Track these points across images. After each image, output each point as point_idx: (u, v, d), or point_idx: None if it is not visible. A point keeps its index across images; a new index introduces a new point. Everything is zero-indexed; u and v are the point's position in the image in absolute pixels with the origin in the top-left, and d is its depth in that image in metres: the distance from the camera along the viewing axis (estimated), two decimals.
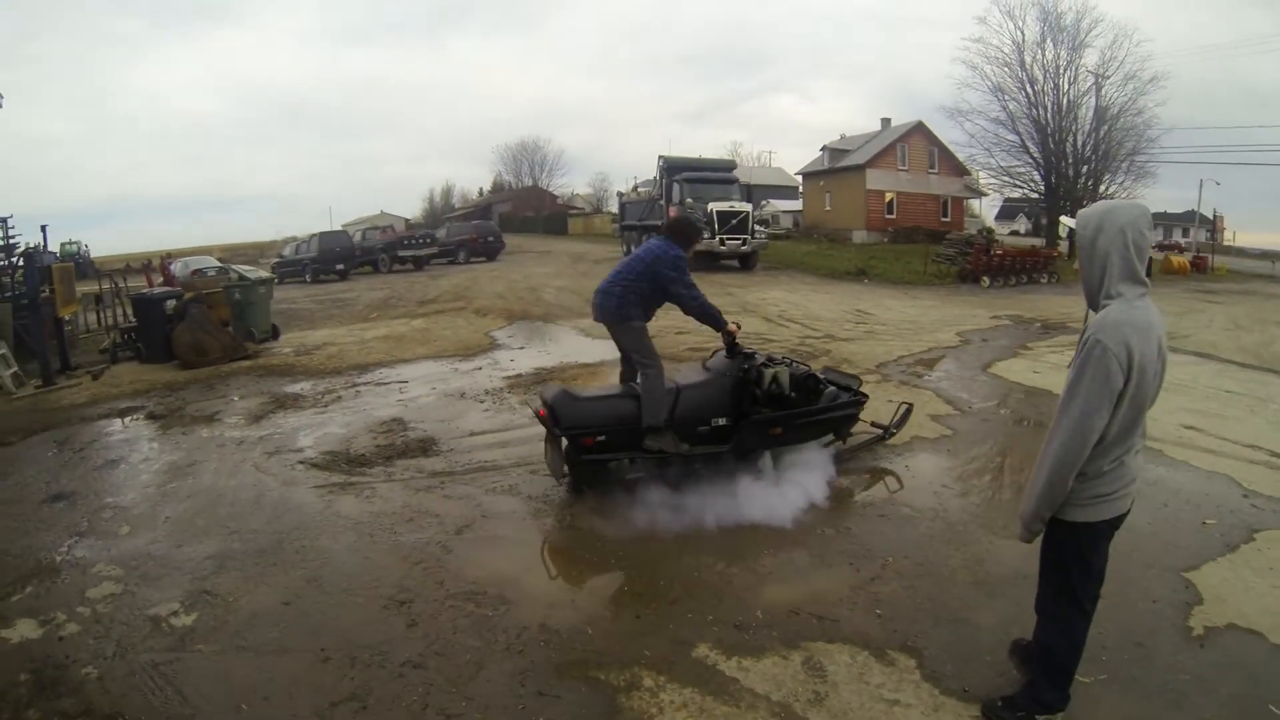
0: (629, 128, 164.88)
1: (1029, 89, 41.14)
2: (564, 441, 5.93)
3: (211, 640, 4.17)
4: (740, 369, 6.52)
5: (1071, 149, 41.37)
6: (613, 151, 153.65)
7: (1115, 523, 3.20)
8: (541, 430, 6.34)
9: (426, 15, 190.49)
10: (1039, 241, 43.04)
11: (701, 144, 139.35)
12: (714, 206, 27.68)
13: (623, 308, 6.12)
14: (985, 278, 26.69)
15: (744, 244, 28.12)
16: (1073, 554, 3.24)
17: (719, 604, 4.52)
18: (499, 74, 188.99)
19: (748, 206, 28.74)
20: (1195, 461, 7.43)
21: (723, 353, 6.70)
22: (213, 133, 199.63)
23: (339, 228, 44.10)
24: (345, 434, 8.05)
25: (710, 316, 6.26)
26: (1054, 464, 3.00)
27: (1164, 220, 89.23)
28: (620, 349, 6.42)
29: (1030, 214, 75.06)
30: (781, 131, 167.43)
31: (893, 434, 7.50)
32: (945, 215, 51.81)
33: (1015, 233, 70.00)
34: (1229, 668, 3.99)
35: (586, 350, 12.40)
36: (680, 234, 6.40)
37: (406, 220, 79.76)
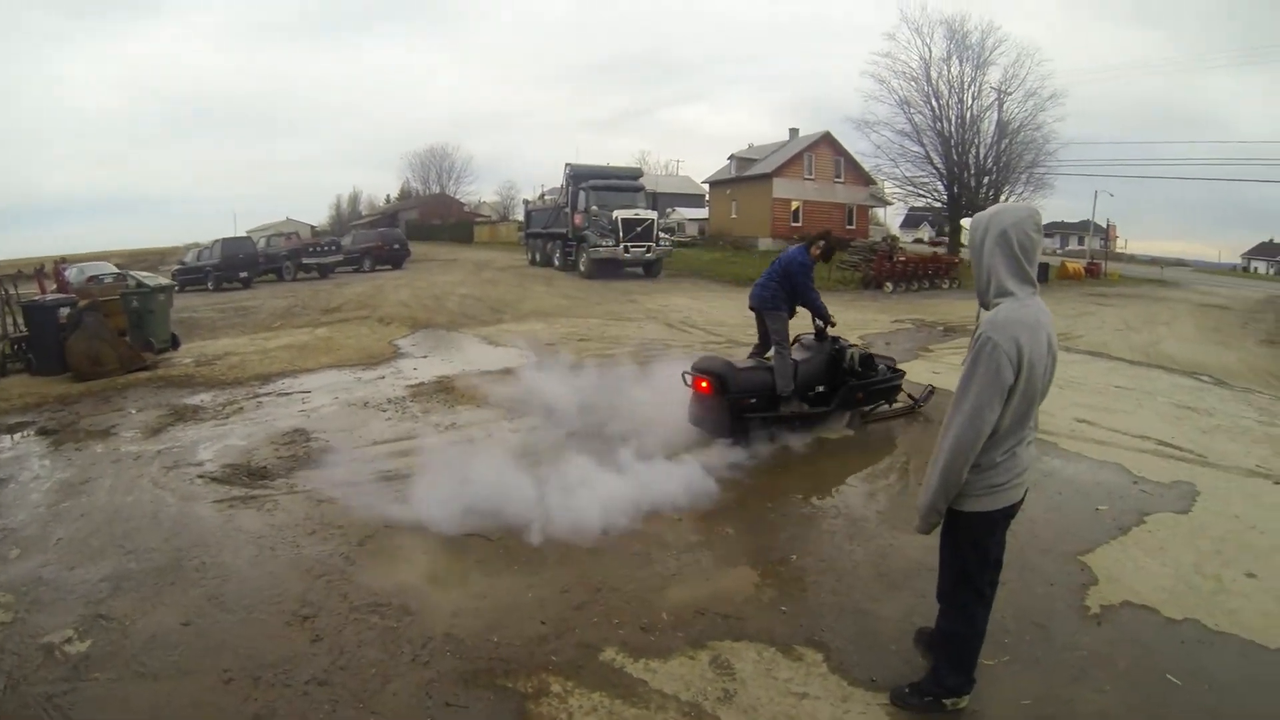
0: (539, 136, 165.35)
1: (934, 103, 42.71)
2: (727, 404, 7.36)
3: (108, 667, 4.00)
4: (832, 349, 8.30)
5: (974, 160, 43.17)
6: (521, 159, 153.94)
7: (1010, 511, 3.37)
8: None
9: (342, 15, 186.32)
10: (941, 249, 44.57)
11: (610, 153, 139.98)
12: (619, 214, 27.88)
13: (775, 298, 8.08)
14: (888, 283, 27.52)
15: (648, 251, 28.42)
16: (970, 543, 3.40)
17: (624, 607, 4.58)
18: (412, 78, 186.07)
19: (653, 214, 29.07)
20: (1088, 452, 7.89)
21: (812, 335, 8.47)
22: (118, 131, 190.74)
23: (244, 234, 42.76)
24: (246, 446, 7.85)
25: (822, 313, 8.21)
26: (948, 457, 3.15)
27: (1061, 229, 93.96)
28: (761, 330, 8.38)
29: (934, 222, 77.25)
30: (690, 141, 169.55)
31: (921, 406, 9.27)
32: (851, 223, 52.88)
33: (919, 240, 71.78)
34: (1125, 642, 4.28)
35: (489, 358, 12.37)
36: (810, 241, 8.44)
37: (312, 227, 77.91)
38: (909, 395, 9.34)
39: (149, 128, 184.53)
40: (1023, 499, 3.40)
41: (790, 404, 7.76)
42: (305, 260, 34.14)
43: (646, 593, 4.76)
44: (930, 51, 42.29)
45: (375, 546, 5.43)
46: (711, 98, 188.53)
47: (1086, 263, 47.06)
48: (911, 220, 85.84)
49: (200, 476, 6.97)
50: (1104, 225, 60.87)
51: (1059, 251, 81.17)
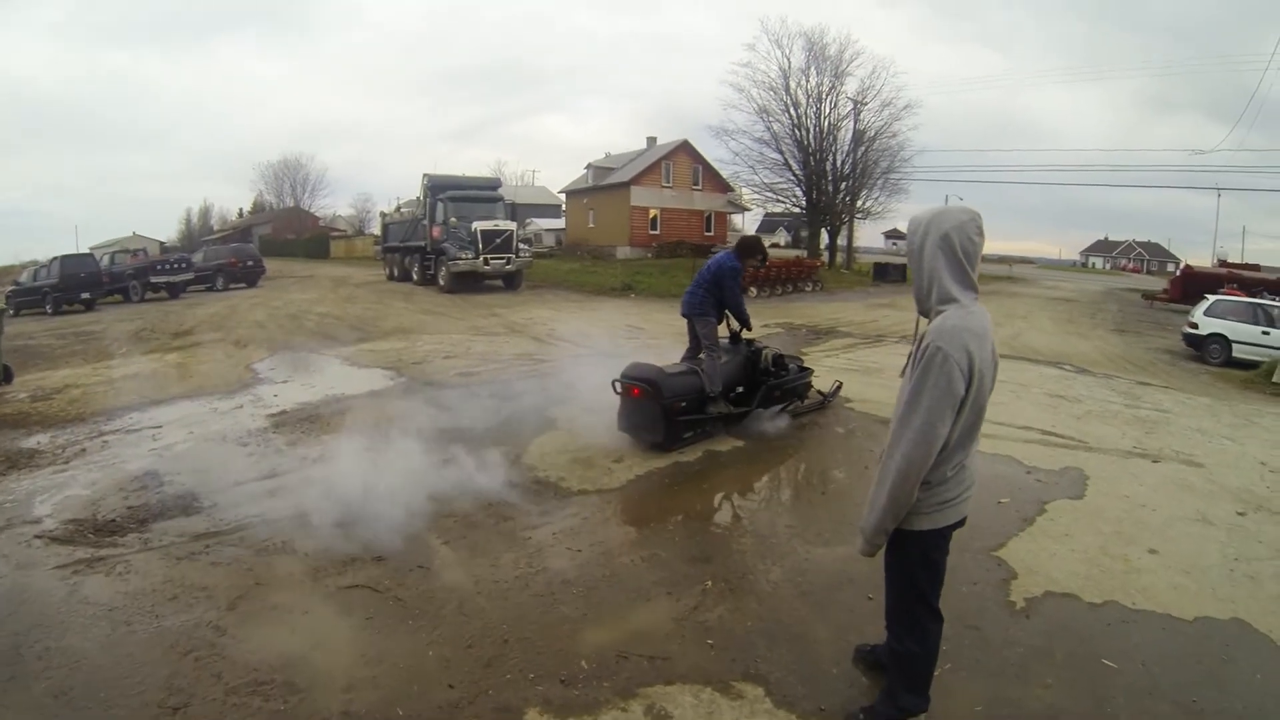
0: (395, 147, 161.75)
1: (793, 112, 44.13)
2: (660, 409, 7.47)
3: None
4: (748, 351, 8.71)
5: (831, 167, 44.94)
6: (378, 172, 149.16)
7: (958, 525, 3.21)
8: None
9: (195, 19, 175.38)
10: (802, 253, 45.82)
11: (467, 163, 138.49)
12: (478, 225, 27.36)
13: (703, 304, 8.29)
14: (753, 288, 27.72)
15: (508, 263, 27.92)
16: (920, 561, 3.22)
17: (538, 658, 4.14)
18: (264, 88, 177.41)
19: (512, 225, 28.58)
20: (979, 447, 7.78)
21: (727, 339, 8.65)
22: None
23: (85, 250, 40.02)
24: (91, 495, 6.94)
25: (744, 318, 8.55)
26: (898, 476, 2.95)
27: None
28: (692, 335, 8.54)
29: (790, 227, 79.20)
30: (547, 151, 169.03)
31: (830, 401, 9.85)
32: (709, 230, 53.63)
33: (776, 245, 73.27)
34: (1056, 632, 4.34)
35: (351, 381, 11.61)
36: (744, 250, 8.46)
37: (161, 243, 74.43)
38: (818, 391, 9.95)
39: None
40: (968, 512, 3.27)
41: (717, 405, 8.03)
42: (153, 279, 31.70)
43: (560, 639, 4.32)
44: (790, 62, 43.64)
45: (248, 609, 4.73)
46: (568, 108, 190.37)
47: None
48: (767, 225, 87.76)
49: (39, 537, 6.03)
50: None
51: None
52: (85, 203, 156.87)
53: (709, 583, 4.93)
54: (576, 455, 7.50)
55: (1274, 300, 20.28)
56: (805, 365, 9.69)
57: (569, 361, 12.53)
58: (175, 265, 32.92)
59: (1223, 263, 45.13)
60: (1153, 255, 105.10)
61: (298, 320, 20.05)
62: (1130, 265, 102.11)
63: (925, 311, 3.05)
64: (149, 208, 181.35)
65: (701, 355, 8.27)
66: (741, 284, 8.47)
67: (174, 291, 31.50)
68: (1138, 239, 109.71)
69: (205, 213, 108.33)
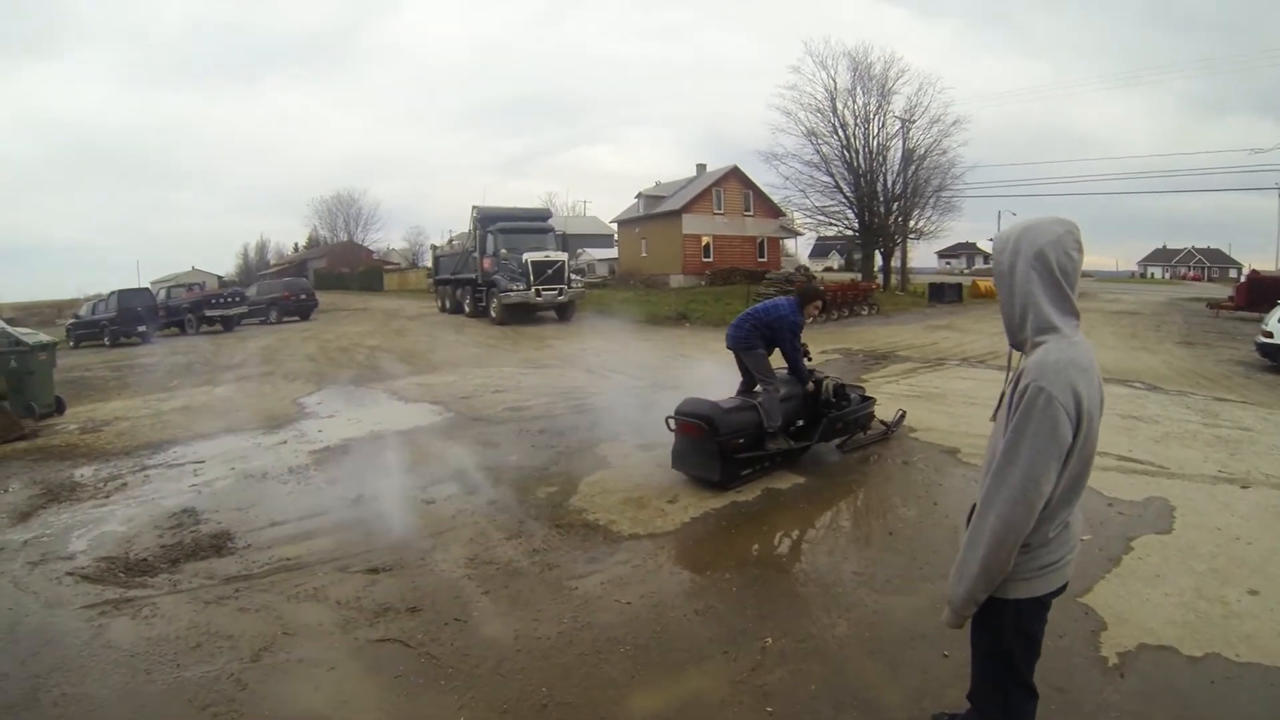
0: (445, 179, 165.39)
1: (841, 133, 43.71)
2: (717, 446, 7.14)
3: None
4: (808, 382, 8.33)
5: (882, 188, 44.31)
6: (429, 204, 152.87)
7: (1059, 592, 2.74)
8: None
9: (242, 58, 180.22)
10: (857, 275, 45.31)
11: (517, 195, 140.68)
12: (529, 256, 27.21)
13: (750, 340, 7.92)
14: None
15: (560, 294, 27.70)
16: (1015, 633, 2.74)
17: None
18: (315, 124, 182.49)
19: (563, 255, 28.39)
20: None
21: (786, 370, 8.27)
22: (10, 175, 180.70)
23: (146, 285, 40.70)
24: (126, 532, 6.83)
25: (803, 375, 8.18)
26: (994, 539, 2.49)
27: (967, 250, 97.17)
28: (743, 369, 8.19)
29: (843, 250, 78.62)
30: (597, 181, 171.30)
31: (894, 432, 9.41)
32: (762, 256, 53.25)
33: (829, 269, 72.97)
34: (1155, 694, 3.90)
35: (398, 416, 11.47)
36: (805, 298, 8.15)
37: (219, 277, 75.69)
38: (880, 421, 9.44)
39: (46, 173, 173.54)
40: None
41: (777, 440, 7.71)
42: (208, 313, 32.31)
43: (604, 704, 3.96)
44: (835, 83, 43.30)
45: (272, 661, 4.51)
46: (615, 138, 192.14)
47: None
48: (820, 250, 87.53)
49: (70, 573, 5.91)
50: None
51: (966, 271, 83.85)
52: (146, 239, 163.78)
53: (769, 640, 4.52)
54: (628, 495, 7.18)
55: None
56: (866, 394, 9.27)
57: (622, 395, 12.26)
58: (229, 299, 33.42)
59: None
60: (1213, 261, 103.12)
61: (348, 353, 20.10)
62: (1190, 273, 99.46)
63: (1019, 343, 2.61)
64: (207, 243, 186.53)
65: (758, 389, 7.95)
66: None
67: (228, 325, 32.07)
68: (1197, 245, 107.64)
69: (262, 247, 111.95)
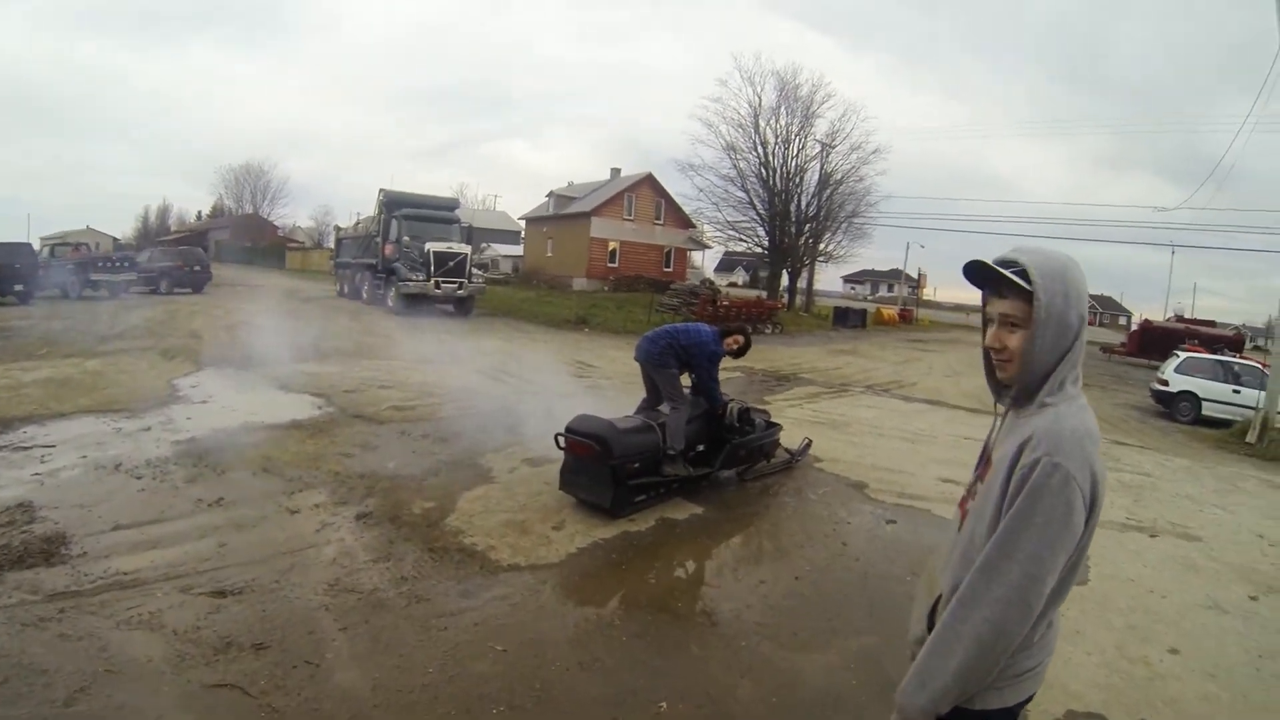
0: (361, 161, 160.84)
1: (760, 150, 43.81)
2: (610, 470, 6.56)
3: None
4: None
5: (796, 209, 44.53)
6: (342, 185, 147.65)
7: (1030, 699, 2.15)
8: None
9: (172, 13, 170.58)
10: (762, 293, 45.58)
11: (431, 184, 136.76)
12: (431, 246, 26.42)
13: (664, 358, 7.48)
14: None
15: (460, 288, 26.96)
16: None
17: None
18: (236, 90, 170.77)
19: (467, 248, 27.68)
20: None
21: (688, 390, 7.75)
22: None
23: (25, 240, 38.08)
24: None
25: (717, 403, 7.78)
26: (979, 647, 1.92)
27: (871, 276, 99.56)
28: (650, 386, 7.72)
29: (749, 267, 79.25)
30: (512, 176, 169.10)
31: (798, 461, 8.94)
32: (668, 266, 53.17)
33: (734, 284, 73.28)
34: None
35: (275, 407, 10.54)
36: (729, 332, 7.82)
37: (115, 239, 72.64)
38: (785, 449, 8.96)
39: None
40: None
41: (675, 466, 7.18)
42: (93, 276, 30.33)
43: None
44: (760, 100, 43.40)
45: (88, 708, 3.71)
46: (535, 135, 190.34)
47: (899, 309, 49.56)
48: (726, 264, 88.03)
49: None
50: (915, 275, 64.14)
51: (870, 298, 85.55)
52: (44, 192, 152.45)
53: (663, 705, 3.93)
54: (511, 517, 6.51)
55: (1234, 357, 20.42)
56: (772, 420, 8.84)
57: (513, 400, 11.53)
58: (117, 264, 31.44)
59: (1179, 317, 45.87)
60: (1105, 308, 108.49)
61: (235, 333, 18.85)
62: None
63: (1027, 398, 2.06)
64: (109, 202, 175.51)
65: (662, 407, 7.52)
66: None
67: (114, 291, 30.04)
68: (1092, 293, 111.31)
69: (164, 212, 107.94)
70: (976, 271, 2.08)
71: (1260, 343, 48.81)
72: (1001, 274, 1.98)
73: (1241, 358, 20.76)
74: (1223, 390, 17.38)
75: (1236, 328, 44.26)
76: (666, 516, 6.89)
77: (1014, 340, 2.03)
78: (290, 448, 8.32)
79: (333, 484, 7.12)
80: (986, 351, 2.14)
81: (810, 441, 9.44)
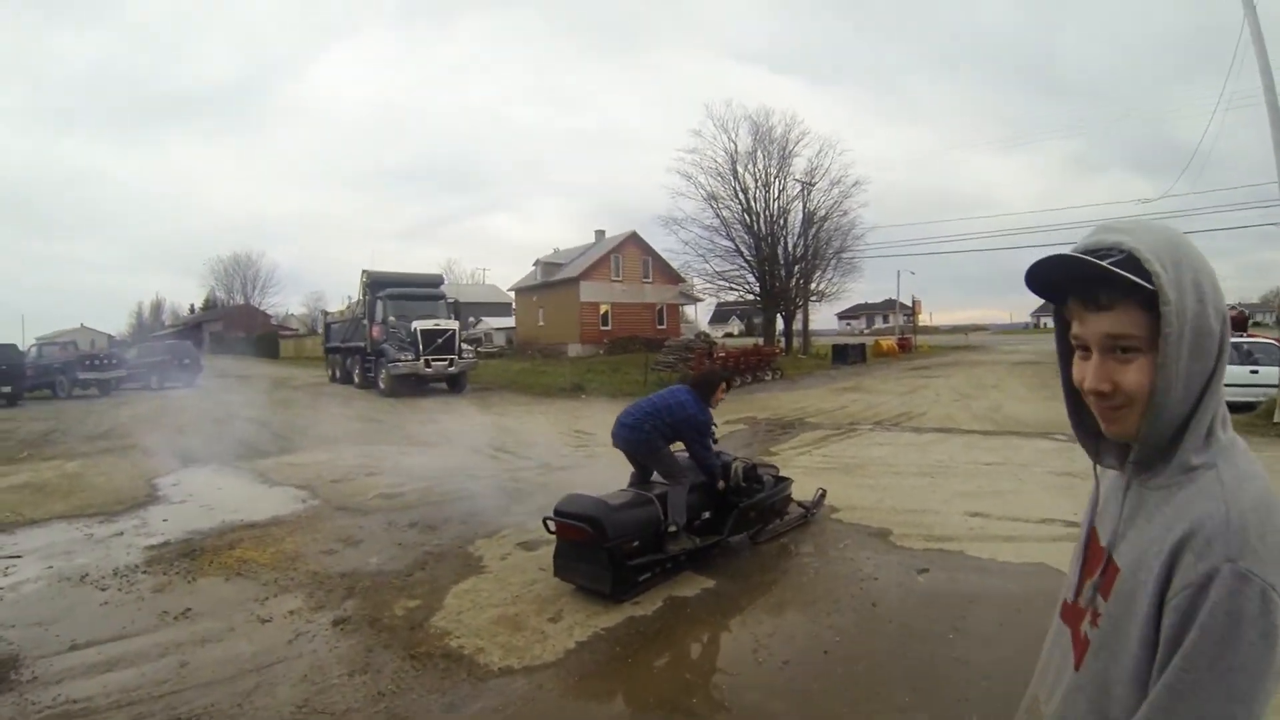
0: (347, 244, 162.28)
1: (741, 196, 43.99)
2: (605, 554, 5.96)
3: None
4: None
5: (783, 251, 44.52)
6: (331, 268, 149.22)
7: None
8: None
9: (144, 110, 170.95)
10: (758, 340, 45.11)
11: (417, 261, 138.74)
12: (418, 325, 25.94)
13: (652, 441, 6.81)
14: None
15: (451, 364, 26.47)
16: None
17: None
18: (217, 182, 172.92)
19: (455, 324, 27.24)
20: (1001, 555, 6.87)
21: (683, 453, 7.13)
22: None
23: (14, 340, 37.35)
24: None
25: (712, 472, 7.05)
26: None
27: (866, 310, 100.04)
28: (637, 466, 7.11)
29: (742, 316, 79.23)
30: (497, 249, 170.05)
31: (814, 515, 8.30)
32: (661, 323, 52.80)
33: (729, 334, 73.22)
34: None
35: (259, 502, 10.01)
36: (705, 389, 7.13)
37: (110, 336, 73.00)
38: (797, 503, 8.28)
39: None
40: None
41: (679, 541, 6.53)
42: (82, 375, 29.88)
43: None
44: (736, 146, 43.67)
45: None
46: (515, 206, 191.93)
47: (898, 339, 49.53)
48: (720, 315, 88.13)
49: None
50: (909, 303, 64.12)
51: (866, 331, 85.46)
52: (35, 293, 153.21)
53: None
54: (503, 611, 5.86)
55: (1242, 336, 19.83)
56: (781, 474, 8.19)
57: (507, 478, 11.00)
58: (106, 361, 31.03)
59: None
60: None
61: (222, 426, 18.34)
62: None
63: (1159, 458, 1.27)
64: (100, 300, 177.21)
65: (658, 478, 6.95)
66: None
67: (104, 389, 29.61)
68: None
69: (157, 307, 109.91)
70: (1054, 269, 1.29)
71: (1259, 319, 48.43)
72: (1104, 269, 1.17)
73: (1249, 336, 20.13)
74: (1240, 372, 16.24)
75: (1237, 307, 43.96)
76: (675, 594, 6.23)
77: (1131, 375, 1.24)
78: (269, 547, 7.77)
79: (310, 586, 6.53)
80: (1072, 393, 1.39)
81: (824, 492, 8.77)
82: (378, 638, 5.37)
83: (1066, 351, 1.37)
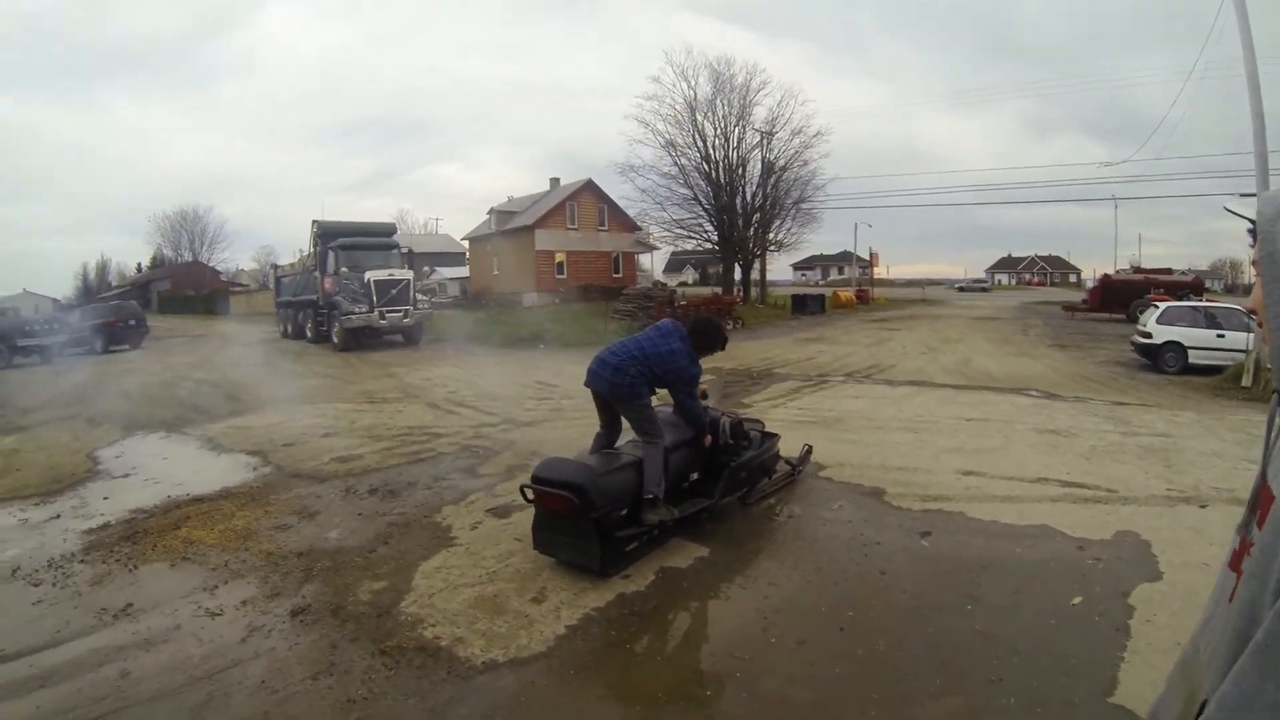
0: (297, 198, 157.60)
1: (700, 144, 43.43)
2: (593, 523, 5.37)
3: None
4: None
5: (742, 200, 44.15)
6: (281, 223, 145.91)
7: None
8: None
9: (86, 66, 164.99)
10: (715, 290, 45.09)
11: (369, 213, 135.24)
12: (371, 275, 25.23)
13: (635, 388, 6.03)
14: None
15: (405, 316, 25.80)
16: None
17: None
18: (162, 137, 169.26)
19: (409, 274, 26.50)
20: (1003, 516, 6.60)
21: (670, 409, 6.53)
22: None
23: None
24: None
25: (703, 428, 6.42)
26: None
27: (822, 261, 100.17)
28: (607, 415, 6.33)
29: (697, 265, 78.95)
30: (451, 199, 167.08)
31: (800, 472, 7.86)
32: (617, 271, 52.34)
33: (684, 283, 72.76)
34: None
35: (205, 473, 9.28)
36: (704, 342, 6.40)
37: (55, 300, 70.91)
38: (786, 460, 7.82)
39: None
40: None
41: (658, 510, 5.81)
42: (20, 342, 28.78)
43: None
44: (695, 94, 43.05)
45: None
46: (468, 156, 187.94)
47: (856, 290, 49.82)
48: (675, 264, 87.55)
49: None
50: (866, 255, 64.30)
51: (822, 283, 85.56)
52: None
53: None
54: (480, 591, 5.31)
55: (1202, 301, 20.27)
56: (767, 429, 7.65)
57: (470, 436, 10.47)
58: (46, 326, 29.90)
59: (1137, 269, 45.89)
60: (1055, 267, 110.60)
61: (170, 389, 17.47)
62: (1035, 279, 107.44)
63: None
64: (42, 264, 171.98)
65: (634, 439, 6.23)
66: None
67: (47, 356, 28.52)
68: (1040, 254, 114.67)
69: (103, 268, 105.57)
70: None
71: (1209, 285, 49.22)
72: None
73: (1209, 301, 20.59)
74: (1206, 336, 17.03)
75: (1193, 272, 44.68)
76: (668, 565, 5.73)
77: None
78: (218, 524, 7.09)
79: (264, 569, 5.92)
80: None
81: (810, 448, 8.36)
82: (342, 630, 4.80)
83: None
